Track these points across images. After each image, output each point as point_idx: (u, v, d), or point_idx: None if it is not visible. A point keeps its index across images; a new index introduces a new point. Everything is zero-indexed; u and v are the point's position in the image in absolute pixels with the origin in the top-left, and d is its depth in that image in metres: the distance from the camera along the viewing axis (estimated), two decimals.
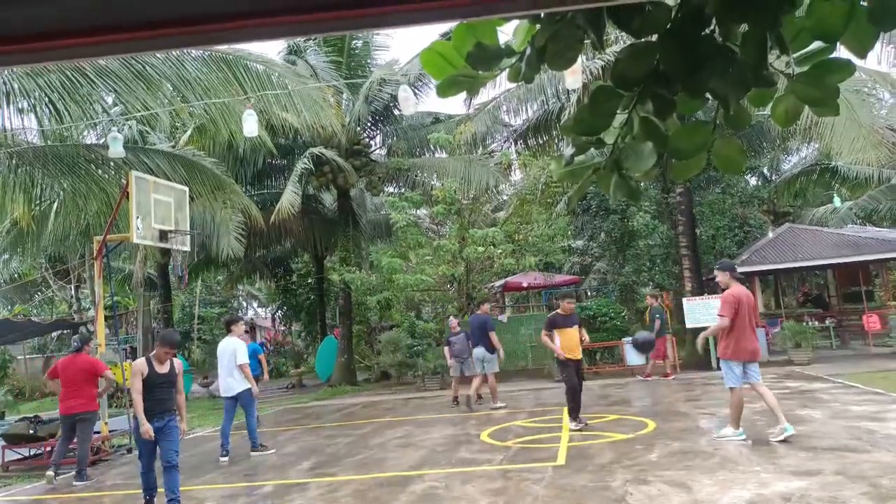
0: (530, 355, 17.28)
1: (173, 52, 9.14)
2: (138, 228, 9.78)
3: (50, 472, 8.31)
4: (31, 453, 9.98)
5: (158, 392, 6.29)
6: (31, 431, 9.82)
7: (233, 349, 8.90)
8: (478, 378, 11.57)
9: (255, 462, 8.62)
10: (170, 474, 6.25)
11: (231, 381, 8.89)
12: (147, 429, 6.16)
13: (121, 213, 10.47)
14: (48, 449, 9.76)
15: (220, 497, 6.90)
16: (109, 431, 10.15)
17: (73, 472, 8.31)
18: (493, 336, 11.28)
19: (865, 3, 1.41)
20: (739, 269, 15.16)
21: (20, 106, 9.45)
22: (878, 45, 10.45)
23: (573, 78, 8.78)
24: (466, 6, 1.11)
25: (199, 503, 6.70)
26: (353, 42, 19.20)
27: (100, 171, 11.44)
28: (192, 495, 6.96)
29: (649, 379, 13.66)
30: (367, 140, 20.02)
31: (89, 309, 20.30)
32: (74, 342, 8.93)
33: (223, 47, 9.54)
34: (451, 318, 13.18)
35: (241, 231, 15.19)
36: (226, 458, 8.68)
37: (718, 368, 14.52)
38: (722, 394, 10.99)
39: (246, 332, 9.76)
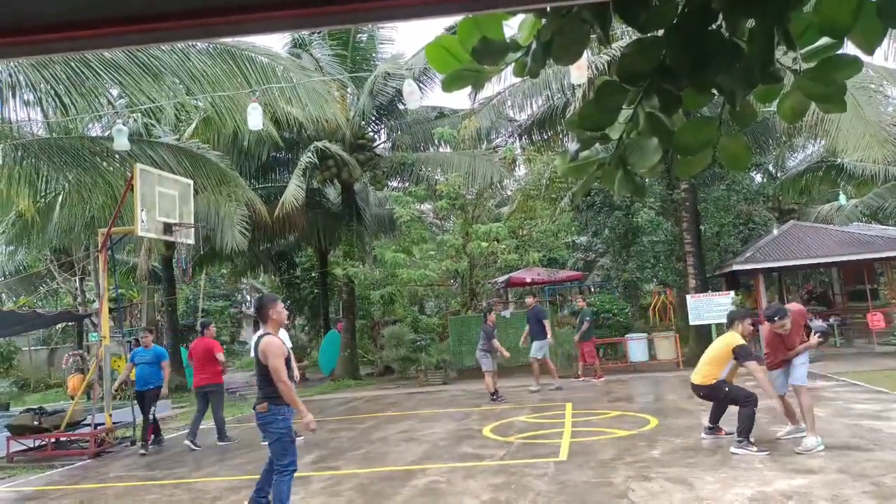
0: None
1: (178, 45, 9.13)
2: (143, 221, 9.80)
3: (187, 442, 9.38)
4: (36, 444, 10.02)
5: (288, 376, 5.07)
6: (36, 422, 9.89)
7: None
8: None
9: (259, 455, 8.63)
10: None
11: None
12: (311, 419, 5.02)
13: (125, 206, 10.49)
14: (52, 440, 9.83)
15: (222, 489, 6.92)
16: (113, 423, 10.18)
17: (216, 437, 9.56)
18: (546, 323, 13.06)
19: None
20: (744, 266, 15.18)
21: (26, 98, 9.46)
22: (885, 42, 10.39)
23: (579, 73, 8.74)
24: (472, 0, 1.11)
25: (201, 495, 6.73)
26: (359, 36, 19.16)
27: (105, 164, 11.46)
28: (196, 488, 7.00)
29: (581, 380, 13.81)
30: (372, 134, 20.00)
31: (94, 301, 20.34)
32: (199, 326, 10.43)
33: (228, 40, 9.54)
34: (492, 313, 13.07)
35: (245, 224, 15.20)
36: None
37: None
38: None
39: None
